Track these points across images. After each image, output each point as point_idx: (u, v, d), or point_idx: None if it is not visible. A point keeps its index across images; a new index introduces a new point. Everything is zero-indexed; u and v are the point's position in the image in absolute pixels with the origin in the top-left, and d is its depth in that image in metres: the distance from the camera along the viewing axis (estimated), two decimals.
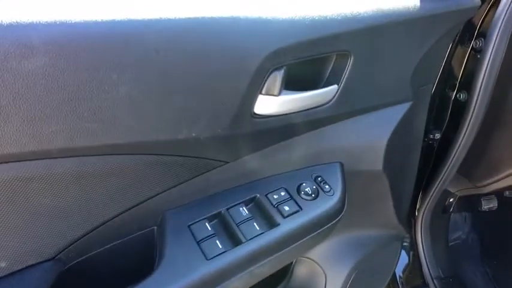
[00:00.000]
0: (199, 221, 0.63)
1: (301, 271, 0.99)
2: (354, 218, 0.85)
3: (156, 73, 0.50)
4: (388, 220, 0.94)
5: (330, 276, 0.97)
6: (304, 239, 0.66)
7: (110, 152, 0.52)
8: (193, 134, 0.55)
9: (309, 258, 0.96)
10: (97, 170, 0.52)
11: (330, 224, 0.69)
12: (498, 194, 1.21)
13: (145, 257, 0.64)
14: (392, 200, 0.87)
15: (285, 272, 1.00)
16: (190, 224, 0.62)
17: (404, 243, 1.15)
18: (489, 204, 1.19)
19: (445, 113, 0.94)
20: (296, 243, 0.65)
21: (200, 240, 0.60)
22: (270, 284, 1.00)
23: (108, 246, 0.60)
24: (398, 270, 1.21)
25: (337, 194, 0.69)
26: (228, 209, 0.64)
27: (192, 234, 0.61)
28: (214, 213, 0.64)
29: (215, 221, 0.64)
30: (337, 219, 0.70)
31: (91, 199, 0.54)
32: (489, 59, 0.79)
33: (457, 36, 0.83)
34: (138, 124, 0.51)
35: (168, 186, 0.61)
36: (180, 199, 0.64)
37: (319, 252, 0.95)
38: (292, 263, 0.98)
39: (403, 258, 1.20)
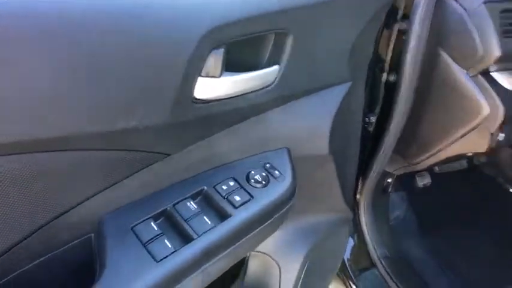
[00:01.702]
0: (144, 221, 0.57)
1: (255, 266, 0.96)
2: (303, 204, 0.84)
3: (83, 57, 0.44)
4: (336, 203, 0.94)
5: (284, 267, 0.95)
6: (259, 228, 0.63)
7: (29, 150, 0.45)
8: (131, 124, 0.50)
9: (261, 252, 0.94)
10: (15, 172, 0.44)
11: (283, 210, 0.67)
12: (430, 170, 1.29)
13: (84, 269, 0.57)
14: (338, 183, 0.88)
15: (239, 270, 0.96)
16: (134, 226, 0.56)
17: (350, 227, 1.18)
18: (423, 181, 1.26)
19: (378, 96, 0.98)
20: (251, 234, 0.62)
21: (146, 242, 0.54)
22: (225, 283, 0.96)
23: (38, 261, 0.52)
24: (346, 254, 1.23)
25: (288, 179, 0.67)
26: (174, 205, 0.59)
27: (137, 236, 0.55)
28: (159, 211, 0.59)
29: (161, 219, 0.59)
30: (290, 204, 0.68)
31: (12, 207, 0.46)
32: (413, 40, 0.83)
33: (384, 18, 0.87)
34: (62, 115, 0.45)
35: (104, 186, 0.54)
36: (119, 200, 0.57)
37: (272, 244, 0.93)
38: (245, 259, 0.95)
39: (349, 242, 1.22)
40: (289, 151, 0.72)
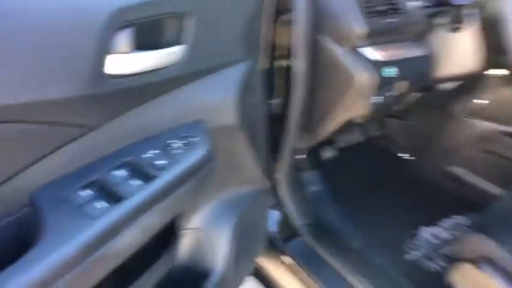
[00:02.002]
0: (75, 191, 0.62)
1: (187, 244, 1.02)
2: (223, 176, 0.94)
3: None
4: (253, 174, 1.06)
5: (214, 241, 1.03)
6: (183, 187, 0.72)
7: None
8: (49, 97, 0.56)
9: (191, 228, 1.01)
10: None
11: (203, 171, 0.76)
12: (331, 143, 1.49)
13: (19, 246, 0.60)
14: (251, 154, 0.99)
15: (172, 249, 1.02)
16: (66, 195, 0.61)
17: (273, 201, 1.30)
18: (328, 154, 1.44)
19: (278, 80, 1.12)
20: (176, 192, 0.70)
21: (81, 206, 0.60)
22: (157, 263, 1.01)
23: None
24: (273, 228, 1.35)
25: (205, 144, 0.77)
26: (104, 175, 0.65)
27: (70, 202, 0.60)
28: (90, 180, 0.64)
29: (92, 187, 0.64)
30: (210, 166, 0.78)
31: None
32: (300, 28, 0.99)
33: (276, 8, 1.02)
34: None
35: (31, 160, 0.59)
36: (48, 174, 0.62)
37: (200, 220, 1.01)
38: (177, 238, 1.02)
39: (275, 215, 1.35)
40: (204, 122, 0.81)
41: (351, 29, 1.00)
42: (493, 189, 1.50)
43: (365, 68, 1.03)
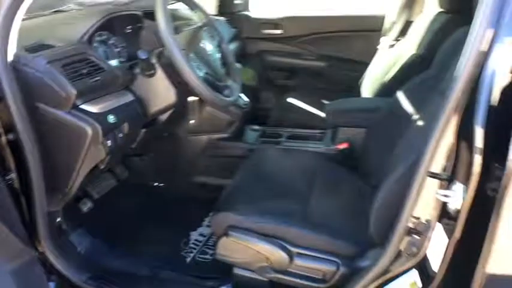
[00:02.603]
0: None
1: None
2: None
3: None
4: (17, 249, 1.05)
5: None
6: None
7: None
8: None
9: None
10: None
11: None
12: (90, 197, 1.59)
13: None
14: (8, 231, 1.00)
15: None
16: None
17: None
18: (86, 206, 1.54)
19: (5, 155, 1.14)
20: None
21: None
22: None
23: None
24: None
25: None
26: None
27: None
28: None
29: None
30: None
31: None
32: (12, 102, 1.07)
33: None
34: None
35: None
36: None
37: None
38: None
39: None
40: None
41: (62, 93, 1.15)
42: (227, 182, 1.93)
43: (91, 120, 1.20)
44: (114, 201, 1.80)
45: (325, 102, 2.32)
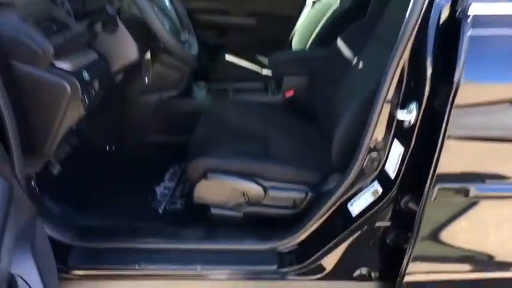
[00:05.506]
0: None
1: None
2: None
3: None
4: None
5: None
6: None
7: None
8: None
9: None
10: None
11: None
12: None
13: None
14: None
15: None
16: None
17: None
18: (56, 168, 1.52)
19: None
20: None
21: None
22: None
23: None
24: None
25: None
26: None
27: None
28: None
29: None
30: None
31: None
32: None
33: None
34: None
35: None
36: None
37: None
38: None
39: None
40: None
41: (40, 50, 1.13)
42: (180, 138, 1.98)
43: (69, 76, 1.20)
44: (74, 167, 1.78)
45: (260, 57, 2.48)
